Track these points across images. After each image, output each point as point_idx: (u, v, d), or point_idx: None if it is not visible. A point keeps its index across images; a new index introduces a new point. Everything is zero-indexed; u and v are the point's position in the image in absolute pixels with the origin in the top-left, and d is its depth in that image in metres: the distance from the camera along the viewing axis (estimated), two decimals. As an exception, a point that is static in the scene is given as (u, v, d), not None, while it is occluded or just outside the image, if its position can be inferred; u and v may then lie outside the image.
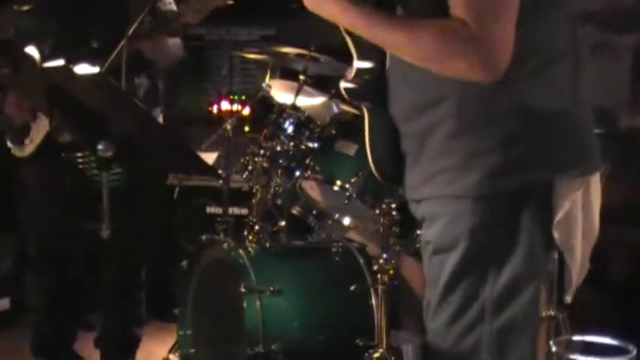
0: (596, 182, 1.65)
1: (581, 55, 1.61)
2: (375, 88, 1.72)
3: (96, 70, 2.24)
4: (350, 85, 1.75)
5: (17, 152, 3.07)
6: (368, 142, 1.76)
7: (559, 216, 1.55)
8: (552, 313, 2.50)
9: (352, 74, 1.73)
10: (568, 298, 1.81)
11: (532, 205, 1.54)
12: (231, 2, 2.92)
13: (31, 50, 2.92)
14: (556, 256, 1.66)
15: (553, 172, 1.54)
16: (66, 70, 2.19)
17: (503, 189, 1.53)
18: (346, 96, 1.77)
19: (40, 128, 2.97)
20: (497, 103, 1.52)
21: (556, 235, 1.56)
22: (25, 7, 3.01)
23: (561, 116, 1.55)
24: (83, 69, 2.17)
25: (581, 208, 1.60)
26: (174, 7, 3.07)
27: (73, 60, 2.63)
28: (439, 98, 1.56)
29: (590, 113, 1.63)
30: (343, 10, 1.56)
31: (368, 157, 1.76)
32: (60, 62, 2.27)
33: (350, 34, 1.67)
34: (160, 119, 3.23)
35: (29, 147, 3.03)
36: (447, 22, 1.45)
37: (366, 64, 1.71)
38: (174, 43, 3.15)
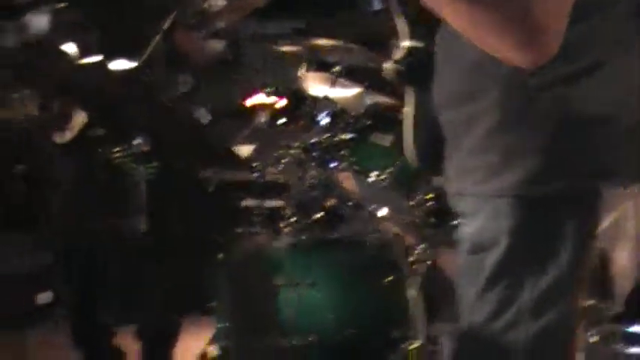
0: None
1: (634, 54, 1.53)
2: (420, 72, 1.66)
3: (131, 65, 2.25)
4: (395, 66, 1.71)
5: (58, 138, 3.10)
6: (407, 128, 1.72)
7: (604, 225, 1.50)
8: (593, 302, 2.47)
9: (399, 54, 1.68)
10: (618, 308, 1.77)
11: (576, 211, 1.48)
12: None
13: (68, 47, 2.95)
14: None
15: (597, 180, 1.48)
16: (102, 66, 2.21)
17: (542, 192, 1.48)
18: (389, 77, 1.72)
19: (81, 117, 3.00)
20: (542, 102, 1.46)
21: (600, 245, 1.52)
22: (62, 4, 3.04)
23: (609, 121, 1.48)
24: (119, 64, 2.18)
25: (632, 217, 1.56)
26: (219, 5, 3.09)
27: (110, 55, 2.65)
28: (482, 90, 1.50)
29: None
30: None
31: (407, 142, 1.72)
32: (96, 58, 2.30)
33: (402, 11, 1.63)
34: (207, 118, 3.24)
35: (69, 134, 3.05)
36: None
37: (416, 44, 1.67)
38: (217, 45, 3.17)
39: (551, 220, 1.49)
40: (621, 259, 1.55)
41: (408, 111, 1.73)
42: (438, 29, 1.60)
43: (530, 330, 1.51)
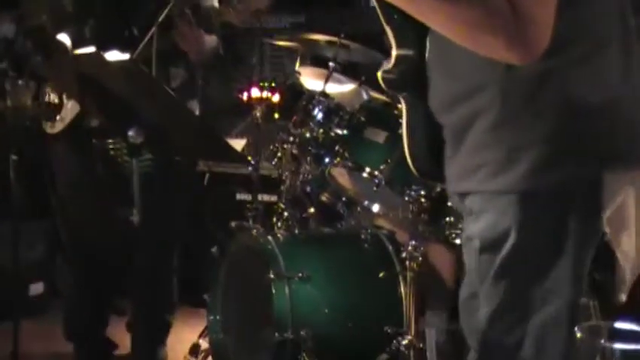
0: None
1: (631, 41, 1.54)
2: (413, 78, 1.67)
3: (126, 56, 2.26)
4: (388, 75, 1.71)
5: (48, 128, 3.09)
6: (405, 136, 1.72)
7: (609, 211, 1.50)
8: (583, 300, 2.48)
9: (391, 63, 1.68)
10: (623, 296, 1.78)
11: (580, 200, 1.49)
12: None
13: (63, 37, 2.95)
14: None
15: (599, 166, 1.49)
16: (97, 56, 2.21)
17: (548, 184, 1.49)
18: (384, 86, 1.72)
19: (72, 107, 3.00)
20: (542, 94, 1.47)
21: (607, 230, 1.52)
22: None
23: (608, 107, 1.49)
24: (114, 55, 2.19)
25: (634, 204, 1.54)
26: (215, 4, 3.09)
27: (104, 46, 2.67)
28: (481, 86, 1.51)
29: None
30: None
31: (405, 151, 1.72)
32: (91, 49, 2.30)
33: (389, 22, 1.63)
34: (197, 111, 3.25)
35: (60, 124, 3.05)
36: None
37: (406, 52, 1.67)
38: (211, 40, 3.17)
39: (555, 211, 1.50)
40: (625, 244, 1.56)
41: (403, 120, 1.73)
42: (428, 36, 1.61)
43: (539, 320, 1.53)
